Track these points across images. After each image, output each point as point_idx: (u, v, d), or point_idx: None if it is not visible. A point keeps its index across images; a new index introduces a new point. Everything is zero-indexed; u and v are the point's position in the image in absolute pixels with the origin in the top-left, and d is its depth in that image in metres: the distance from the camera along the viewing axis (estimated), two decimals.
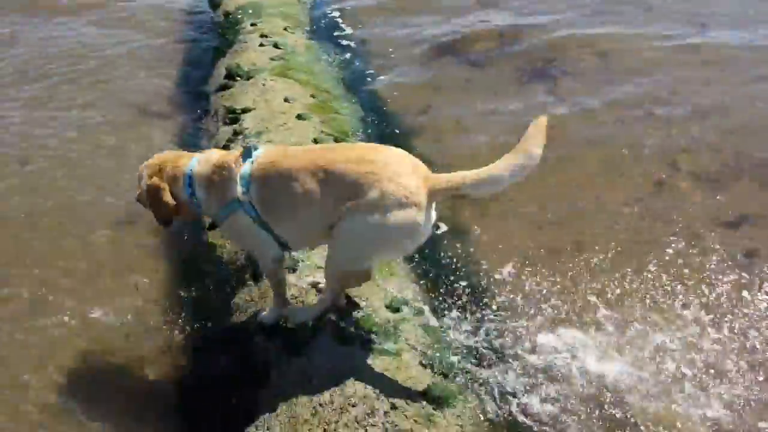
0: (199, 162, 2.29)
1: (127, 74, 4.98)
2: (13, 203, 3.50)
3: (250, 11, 5.34)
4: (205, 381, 2.46)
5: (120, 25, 5.82)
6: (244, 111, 3.82)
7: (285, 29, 5.13)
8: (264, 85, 4.09)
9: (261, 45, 4.73)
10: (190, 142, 4.06)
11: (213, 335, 2.67)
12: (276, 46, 4.71)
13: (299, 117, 3.72)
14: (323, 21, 5.80)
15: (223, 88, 4.29)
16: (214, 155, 2.31)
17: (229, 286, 2.78)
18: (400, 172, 2.04)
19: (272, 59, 4.53)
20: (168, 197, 2.28)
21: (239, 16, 5.31)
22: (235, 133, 3.63)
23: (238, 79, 4.27)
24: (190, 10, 6.16)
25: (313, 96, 4.12)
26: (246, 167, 2.19)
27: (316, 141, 3.50)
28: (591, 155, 3.84)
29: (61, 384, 2.49)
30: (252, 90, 4.08)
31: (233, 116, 3.87)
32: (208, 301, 2.83)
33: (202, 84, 4.76)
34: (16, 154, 3.98)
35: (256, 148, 2.27)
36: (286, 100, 3.91)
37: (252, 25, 5.11)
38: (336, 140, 3.62)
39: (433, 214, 2.12)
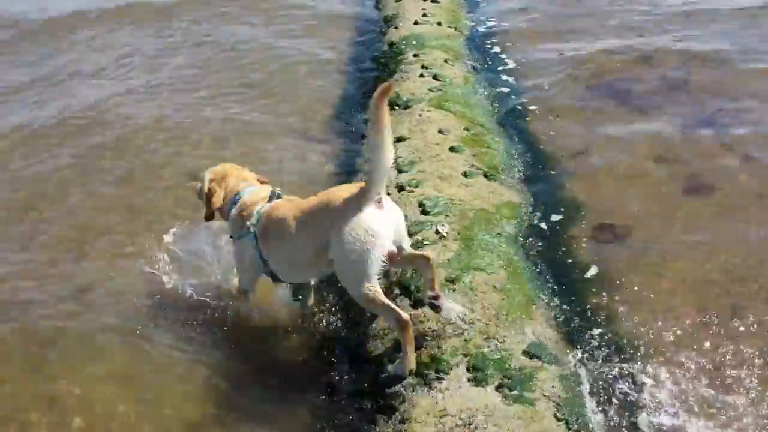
0: (249, 194, 2.90)
1: (289, 92, 5.36)
2: None
3: (414, 42, 5.49)
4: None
5: (295, 34, 6.29)
6: (399, 140, 3.93)
7: (445, 61, 5.21)
8: (420, 115, 4.19)
9: (421, 76, 4.85)
10: (347, 164, 4.27)
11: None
12: (435, 77, 4.80)
13: (452, 149, 3.78)
14: (482, 54, 5.83)
15: None
16: (260, 193, 2.88)
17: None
18: None
19: (430, 90, 4.62)
20: (217, 203, 2.95)
21: (403, 47, 5.48)
22: None
23: (397, 107, 4.40)
24: (358, 41, 6.46)
25: (467, 129, 4.15)
26: (265, 207, 2.77)
27: (465, 174, 3.53)
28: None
29: None
30: (409, 119, 4.18)
31: None
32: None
33: (362, 110, 4.98)
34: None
35: (279, 196, 2.85)
36: (440, 131, 3.98)
37: (414, 56, 5.25)
38: (485, 175, 3.62)
39: None
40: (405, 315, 2.32)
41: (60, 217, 3.86)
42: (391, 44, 5.69)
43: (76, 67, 6.04)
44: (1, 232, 3.76)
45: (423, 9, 6.13)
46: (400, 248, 2.46)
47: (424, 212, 3.21)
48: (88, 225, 3.77)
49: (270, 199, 2.81)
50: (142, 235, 3.60)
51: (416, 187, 3.42)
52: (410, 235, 2.83)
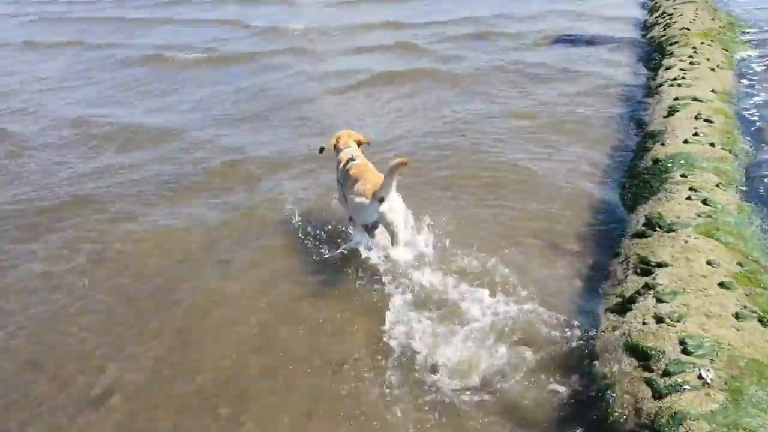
0: (343, 152, 4.77)
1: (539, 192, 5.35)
2: None
3: (682, 162, 5.19)
4: None
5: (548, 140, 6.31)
6: (660, 265, 3.68)
7: (717, 185, 4.84)
8: (686, 242, 3.89)
9: (688, 198, 4.54)
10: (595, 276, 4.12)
11: None
12: (704, 202, 4.46)
13: (721, 285, 3.44)
14: (760, 182, 5.31)
15: (640, 235, 4.22)
16: (348, 153, 4.72)
17: None
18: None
19: (698, 215, 4.29)
20: (331, 148, 4.91)
21: (669, 165, 5.21)
22: (646, 287, 3.51)
23: (658, 229, 4.16)
24: (616, 152, 6.30)
25: (739, 264, 3.76)
26: (342, 163, 4.68)
27: (737, 316, 3.18)
28: None
29: None
30: (671, 244, 3.91)
31: (646, 267, 3.77)
32: None
33: (613, 223, 4.80)
34: None
35: (353, 159, 4.62)
36: (708, 263, 3.65)
37: (681, 176, 4.96)
38: (761, 320, 3.22)
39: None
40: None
41: None
42: (656, 161, 5.44)
43: None
44: None
45: (695, 128, 5.79)
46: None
47: (686, 352, 2.93)
48: None
49: (348, 161, 4.62)
50: None
51: (678, 321, 3.14)
52: (668, 375, 2.78)
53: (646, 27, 10.27)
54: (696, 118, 6.03)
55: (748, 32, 9.25)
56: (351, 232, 4.76)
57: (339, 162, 4.74)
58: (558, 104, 7.45)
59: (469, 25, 12.41)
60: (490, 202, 5.36)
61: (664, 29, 9.25)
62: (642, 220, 4.42)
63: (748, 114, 6.58)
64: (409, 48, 10.95)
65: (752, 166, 5.50)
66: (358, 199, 4.28)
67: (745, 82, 7.40)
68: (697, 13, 9.62)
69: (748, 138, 6.02)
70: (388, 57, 10.51)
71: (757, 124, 6.35)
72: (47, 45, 14.51)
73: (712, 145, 5.51)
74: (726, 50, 8.25)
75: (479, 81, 8.62)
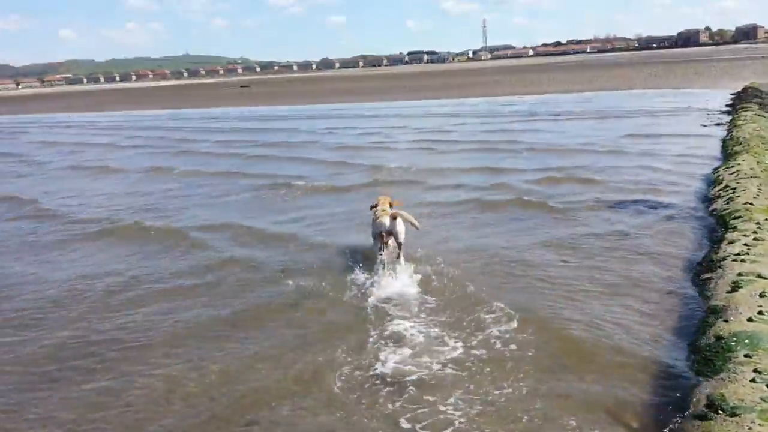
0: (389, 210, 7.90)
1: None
2: None
3: (746, 341, 5.10)
4: None
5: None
6: None
7: None
8: (750, 429, 3.77)
9: (753, 381, 4.42)
10: None
11: None
12: None
13: None
14: None
15: (701, 417, 4.10)
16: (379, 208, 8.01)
17: None
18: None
19: (763, 399, 4.17)
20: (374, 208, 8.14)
21: (732, 344, 5.12)
22: None
23: (720, 412, 4.04)
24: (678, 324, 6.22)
25: None
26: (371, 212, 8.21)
27: None
28: None
29: None
30: (735, 430, 3.80)
31: None
32: None
33: (671, 401, 4.67)
34: None
35: (375, 206, 8.20)
36: None
37: (746, 356, 4.85)
38: None
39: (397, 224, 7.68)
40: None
41: None
42: (719, 338, 5.35)
43: None
44: None
45: (759, 306, 5.72)
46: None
47: None
48: None
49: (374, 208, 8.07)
50: None
51: None
52: None
53: (708, 199, 10.37)
54: (761, 296, 5.95)
55: None
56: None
57: (374, 212, 7.96)
58: (612, 270, 7.51)
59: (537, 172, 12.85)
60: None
61: (727, 203, 9.33)
62: (703, 401, 4.30)
63: None
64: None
65: None
66: (381, 219, 7.69)
67: None
68: (760, 189, 9.72)
69: None
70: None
71: None
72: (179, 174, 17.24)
73: None
74: None
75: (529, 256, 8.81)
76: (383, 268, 7.43)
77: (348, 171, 16.10)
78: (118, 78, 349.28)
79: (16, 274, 8.76)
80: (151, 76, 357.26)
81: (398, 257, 7.65)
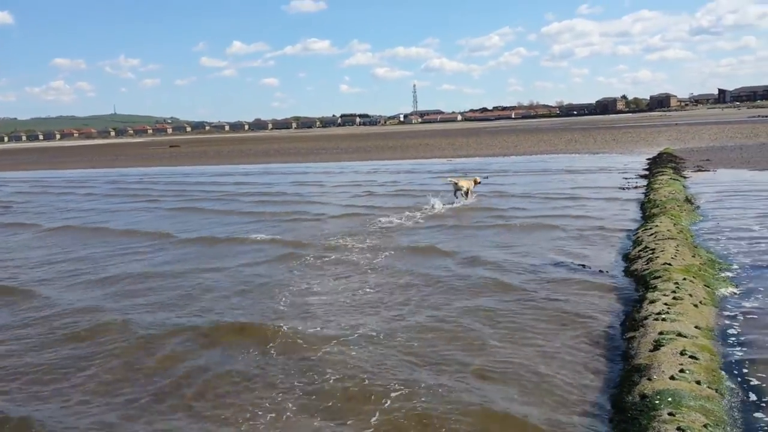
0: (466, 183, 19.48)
1: None
2: None
3: (669, 399, 5.22)
4: None
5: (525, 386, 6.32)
6: None
7: (705, 426, 4.83)
8: None
9: None
10: None
11: None
12: None
13: None
14: (750, 426, 5.27)
15: None
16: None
17: None
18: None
19: None
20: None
21: (656, 402, 5.23)
22: None
23: None
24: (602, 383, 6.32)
25: None
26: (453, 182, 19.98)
27: None
28: None
29: None
30: None
31: None
32: None
33: None
34: None
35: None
36: None
37: (669, 414, 4.96)
38: None
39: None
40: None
41: None
42: (643, 396, 5.46)
43: None
44: None
45: (680, 364, 5.90)
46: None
47: None
48: None
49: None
50: None
51: None
52: None
53: (629, 259, 10.77)
54: (681, 354, 6.15)
55: (728, 270, 9.69)
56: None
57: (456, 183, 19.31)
58: (535, 330, 7.62)
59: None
60: None
61: (647, 263, 9.71)
62: None
63: (732, 351, 6.70)
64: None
65: (739, 409, 5.50)
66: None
67: (727, 320, 7.61)
68: (678, 249, 10.18)
69: (735, 376, 6.09)
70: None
71: (742, 362, 6.44)
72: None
73: (699, 383, 5.57)
74: (708, 286, 8.61)
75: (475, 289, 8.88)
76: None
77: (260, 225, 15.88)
78: (41, 137, 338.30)
79: None
80: (76, 135, 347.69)
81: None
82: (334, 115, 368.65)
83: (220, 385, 6.54)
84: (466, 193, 18.73)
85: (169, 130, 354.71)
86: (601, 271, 10.25)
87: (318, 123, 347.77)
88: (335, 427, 5.58)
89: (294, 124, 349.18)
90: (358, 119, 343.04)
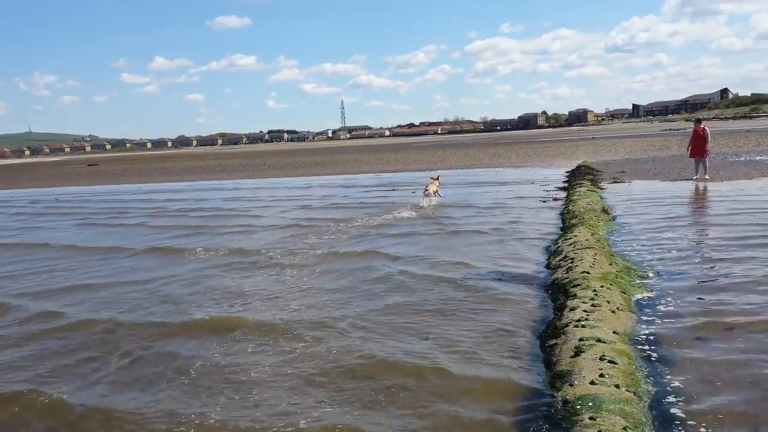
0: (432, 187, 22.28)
1: None
2: None
3: (590, 404, 5.36)
4: None
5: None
6: None
7: (624, 429, 4.97)
8: None
9: None
10: None
11: None
12: None
13: None
14: (666, 424, 5.47)
15: None
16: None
17: None
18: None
19: None
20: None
21: (578, 407, 5.35)
22: None
23: None
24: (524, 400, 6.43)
25: None
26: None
27: None
28: None
29: None
30: None
31: None
32: None
33: None
34: None
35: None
36: None
37: (590, 419, 5.08)
38: None
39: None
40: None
41: None
42: (566, 402, 5.58)
43: None
44: None
45: (600, 369, 6.07)
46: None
47: None
48: None
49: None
50: None
51: None
52: None
53: (550, 268, 11.06)
54: (601, 359, 6.33)
55: (642, 276, 10.09)
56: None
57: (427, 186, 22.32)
58: (459, 340, 7.71)
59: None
60: None
61: (567, 272, 9.99)
62: None
63: (649, 354, 6.95)
64: None
65: (655, 407, 5.70)
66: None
67: (642, 324, 7.90)
68: (595, 258, 10.52)
69: (650, 379, 6.32)
70: None
71: (658, 364, 6.69)
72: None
73: (617, 387, 5.75)
74: (624, 293, 8.93)
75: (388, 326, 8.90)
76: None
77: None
78: None
79: None
80: None
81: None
82: (261, 131, 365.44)
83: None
84: (435, 192, 22.10)
85: (88, 148, 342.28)
86: (523, 281, 10.48)
87: (245, 139, 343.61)
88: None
89: (220, 141, 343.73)
90: (286, 135, 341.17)
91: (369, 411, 6.00)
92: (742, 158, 33.61)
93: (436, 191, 22.24)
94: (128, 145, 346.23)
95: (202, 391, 6.67)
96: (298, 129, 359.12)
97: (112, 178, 58.36)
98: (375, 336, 8.07)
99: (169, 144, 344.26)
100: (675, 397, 5.91)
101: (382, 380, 6.67)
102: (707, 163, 24.89)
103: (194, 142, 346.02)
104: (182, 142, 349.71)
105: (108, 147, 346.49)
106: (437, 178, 23.10)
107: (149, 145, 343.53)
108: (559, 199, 20.91)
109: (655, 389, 6.07)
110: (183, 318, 9.30)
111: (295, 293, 10.56)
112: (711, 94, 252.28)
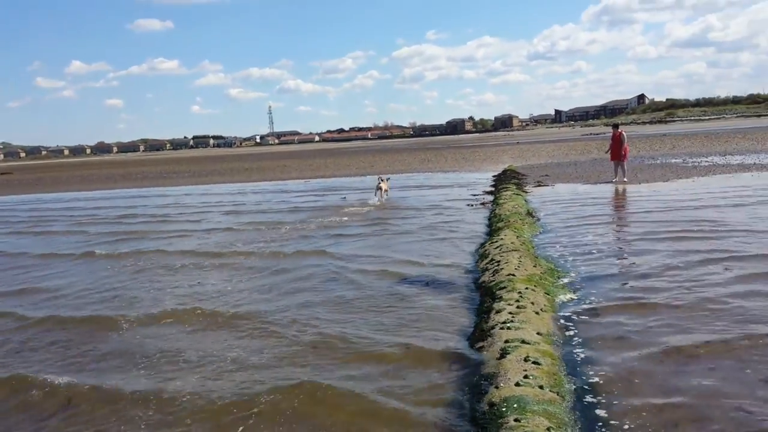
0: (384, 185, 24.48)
1: None
2: None
3: (515, 405, 5.40)
4: None
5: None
6: None
7: (548, 429, 5.03)
8: None
9: None
10: None
11: None
12: None
13: None
14: (588, 423, 5.58)
15: None
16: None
17: None
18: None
19: None
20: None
21: (503, 409, 5.39)
22: None
23: None
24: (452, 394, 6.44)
25: None
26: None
27: None
28: None
29: None
30: None
31: None
32: None
33: None
34: None
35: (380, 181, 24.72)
36: None
37: (515, 420, 5.12)
38: None
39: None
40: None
41: None
42: (492, 404, 5.62)
43: None
44: None
45: (525, 370, 6.15)
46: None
47: None
48: None
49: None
50: None
51: None
52: None
53: (477, 272, 11.19)
54: (525, 360, 6.41)
55: (565, 277, 10.34)
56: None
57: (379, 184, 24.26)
58: (386, 342, 7.68)
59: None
60: None
61: (493, 275, 10.14)
62: None
63: (571, 353, 7.11)
64: None
65: (577, 407, 5.81)
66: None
67: (565, 323, 8.09)
68: (521, 260, 10.73)
69: (575, 377, 6.45)
70: None
71: (580, 363, 6.85)
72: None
73: (541, 387, 5.83)
74: (548, 294, 9.12)
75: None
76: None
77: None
78: None
79: None
80: None
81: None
82: (186, 137, 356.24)
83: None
84: (385, 191, 24.18)
85: (0, 156, 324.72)
86: (451, 283, 10.56)
87: (168, 145, 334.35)
88: None
89: (142, 147, 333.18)
90: (212, 141, 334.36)
91: None
92: (658, 161, 35.27)
93: (387, 190, 24.54)
94: (44, 153, 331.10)
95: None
96: (224, 134, 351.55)
97: (25, 188, 55.54)
98: (313, 328, 7.94)
99: (88, 151, 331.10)
100: (595, 396, 6.06)
101: None
102: (626, 166, 25.99)
103: (115, 149, 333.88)
104: (102, 148, 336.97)
105: (22, 155, 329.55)
106: (387, 180, 25.36)
107: (66, 152, 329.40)
108: (486, 204, 21.29)
109: (579, 388, 6.20)
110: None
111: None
112: (628, 99, 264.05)
